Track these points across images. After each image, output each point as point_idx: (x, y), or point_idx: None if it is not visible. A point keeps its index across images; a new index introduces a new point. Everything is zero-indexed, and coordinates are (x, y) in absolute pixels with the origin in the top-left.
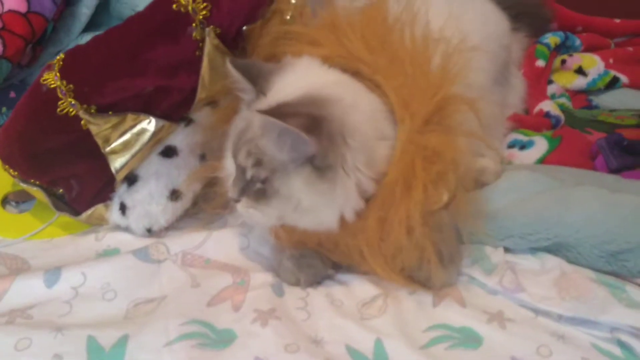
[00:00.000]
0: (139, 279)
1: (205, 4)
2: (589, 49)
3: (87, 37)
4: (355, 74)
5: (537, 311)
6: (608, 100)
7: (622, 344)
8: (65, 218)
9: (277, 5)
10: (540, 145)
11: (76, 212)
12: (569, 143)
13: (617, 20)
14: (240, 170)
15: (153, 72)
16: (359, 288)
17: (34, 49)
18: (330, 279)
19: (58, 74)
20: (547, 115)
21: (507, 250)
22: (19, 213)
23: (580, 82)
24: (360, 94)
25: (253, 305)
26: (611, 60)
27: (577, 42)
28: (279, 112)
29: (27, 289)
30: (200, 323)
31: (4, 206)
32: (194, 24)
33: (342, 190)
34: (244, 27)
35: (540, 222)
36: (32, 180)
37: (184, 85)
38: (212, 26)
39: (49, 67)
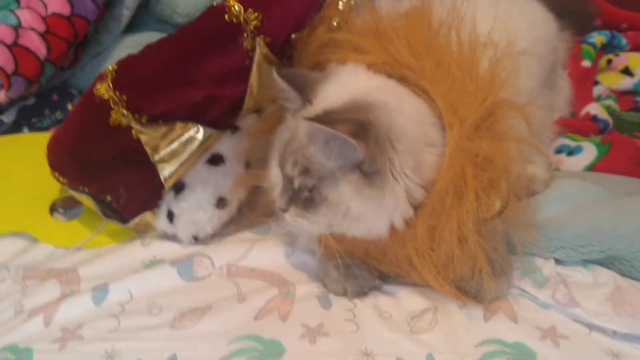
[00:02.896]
0: (184, 296)
1: (256, 14)
2: (636, 48)
3: (127, 38)
4: (401, 79)
5: (591, 327)
6: None
7: None
8: (112, 225)
9: (325, 12)
10: (589, 151)
11: (124, 220)
12: (618, 149)
13: None
14: (288, 180)
15: (204, 82)
16: (407, 300)
17: (75, 51)
18: (377, 290)
19: (111, 85)
20: (594, 119)
21: (557, 262)
22: (67, 220)
23: (626, 82)
24: (405, 98)
25: (300, 318)
26: None
27: (624, 41)
28: (326, 118)
29: (76, 308)
30: (248, 338)
31: (51, 213)
32: (245, 34)
33: (391, 195)
34: (293, 36)
35: (593, 234)
36: (81, 188)
37: (232, 94)
38: (262, 35)
39: (102, 78)
